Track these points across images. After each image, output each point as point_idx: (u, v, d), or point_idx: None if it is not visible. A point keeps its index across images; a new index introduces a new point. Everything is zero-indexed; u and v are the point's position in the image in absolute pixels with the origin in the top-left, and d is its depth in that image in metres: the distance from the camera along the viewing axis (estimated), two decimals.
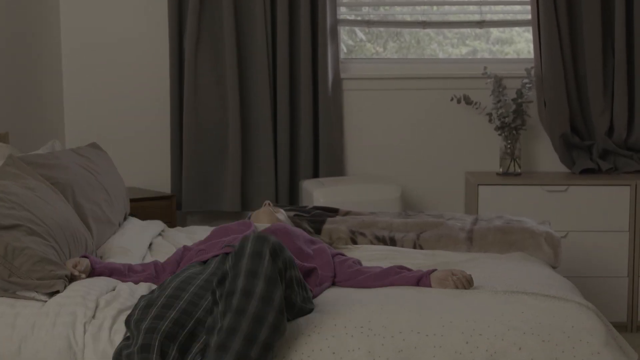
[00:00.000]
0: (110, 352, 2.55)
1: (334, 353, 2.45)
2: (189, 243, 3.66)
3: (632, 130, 4.75)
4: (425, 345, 2.43)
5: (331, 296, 2.80)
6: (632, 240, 4.49)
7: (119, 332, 2.59)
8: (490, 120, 4.79)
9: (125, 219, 3.83)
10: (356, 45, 5.21)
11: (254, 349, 2.32)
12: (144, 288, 2.91)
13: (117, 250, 3.33)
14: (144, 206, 4.43)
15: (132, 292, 2.81)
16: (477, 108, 4.80)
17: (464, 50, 5.05)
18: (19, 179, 3.12)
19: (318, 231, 3.64)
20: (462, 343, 2.42)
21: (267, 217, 3.37)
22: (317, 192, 4.40)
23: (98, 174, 3.61)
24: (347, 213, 3.92)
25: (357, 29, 5.14)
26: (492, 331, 2.45)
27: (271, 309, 2.35)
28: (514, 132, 4.69)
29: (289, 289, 2.50)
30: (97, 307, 2.68)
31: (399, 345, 2.43)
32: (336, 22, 4.87)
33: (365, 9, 5.09)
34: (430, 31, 5.09)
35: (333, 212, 3.91)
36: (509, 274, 2.98)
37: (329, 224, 3.69)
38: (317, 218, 3.74)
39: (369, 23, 5.01)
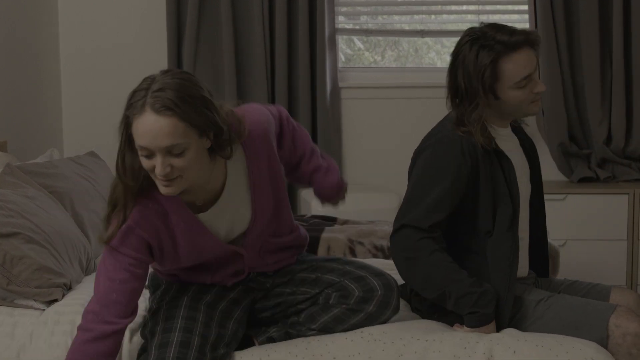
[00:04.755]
0: None
1: (334, 358, 2.47)
2: None
3: (630, 139, 4.75)
4: (425, 350, 2.46)
5: None
6: (630, 249, 4.49)
7: None
8: None
9: None
10: (354, 54, 5.22)
11: None
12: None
13: None
14: None
15: None
16: None
17: None
18: (18, 187, 3.12)
19: (316, 240, 3.63)
20: (461, 348, 2.46)
21: None
22: (315, 201, 4.40)
23: (96, 183, 3.60)
24: (345, 222, 3.92)
25: (355, 38, 5.14)
26: (488, 337, 2.50)
27: None
28: None
29: None
30: None
31: (400, 349, 2.46)
32: (334, 31, 4.87)
33: (363, 18, 5.10)
34: (428, 40, 5.10)
35: (331, 221, 3.91)
36: None
37: (327, 233, 3.68)
38: (315, 227, 3.74)
39: (367, 32, 5.02)
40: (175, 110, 2.18)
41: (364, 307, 2.51)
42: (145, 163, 2.26)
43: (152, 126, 2.19)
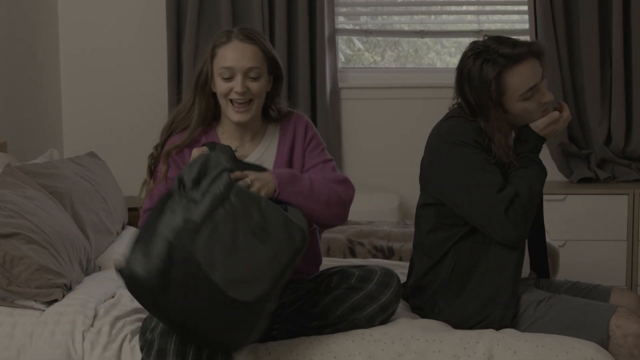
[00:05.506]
0: None
1: (335, 357, 2.48)
2: None
3: (630, 139, 4.75)
4: (425, 350, 2.47)
5: None
6: (630, 249, 4.49)
7: (117, 340, 2.59)
8: None
9: (123, 228, 3.82)
10: (354, 54, 5.22)
11: None
12: None
13: (116, 258, 3.32)
14: None
15: (133, 299, 2.80)
16: None
17: None
18: (17, 188, 3.12)
19: None
20: (460, 348, 2.46)
21: None
22: None
23: (96, 183, 3.60)
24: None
25: (355, 38, 5.14)
26: (488, 337, 2.50)
27: None
28: None
29: None
30: (96, 315, 2.67)
31: (400, 349, 2.47)
32: (334, 32, 4.87)
33: (363, 19, 5.10)
34: (428, 40, 5.10)
35: None
36: None
37: (328, 233, 3.69)
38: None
39: (367, 32, 5.02)
40: (258, 42, 2.64)
41: (364, 285, 2.55)
42: (224, 86, 2.63)
43: (239, 50, 2.62)
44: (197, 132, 2.69)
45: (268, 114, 2.75)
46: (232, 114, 2.65)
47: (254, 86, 2.63)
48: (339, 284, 2.58)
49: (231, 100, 2.64)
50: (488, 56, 2.58)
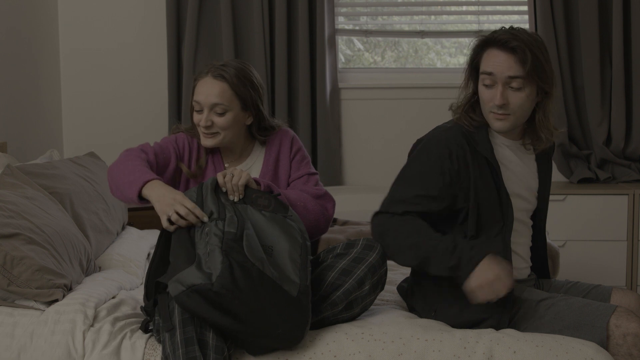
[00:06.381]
0: (109, 359, 2.56)
1: (335, 356, 2.49)
2: None
3: (630, 139, 4.76)
4: (424, 350, 2.47)
5: None
6: (630, 249, 4.49)
7: (117, 338, 2.59)
8: None
9: (123, 228, 3.83)
10: (354, 54, 5.22)
11: None
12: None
13: (116, 258, 3.33)
14: (142, 215, 4.42)
15: (135, 307, 2.80)
16: None
17: (461, 59, 5.05)
18: (17, 188, 3.12)
19: (315, 241, 3.63)
20: (460, 348, 2.47)
21: None
22: None
23: (96, 184, 3.60)
24: (345, 223, 3.92)
25: (355, 39, 5.15)
26: (488, 337, 2.51)
27: None
28: None
29: None
30: (97, 315, 2.67)
31: (400, 349, 2.48)
32: (334, 32, 4.87)
33: (363, 19, 5.10)
34: (428, 40, 5.10)
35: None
36: None
37: (327, 234, 3.68)
38: None
39: (367, 33, 5.02)
40: (228, 80, 2.79)
41: (350, 250, 2.67)
42: (195, 117, 2.84)
43: (207, 86, 2.79)
44: (206, 155, 2.91)
45: (255, 136, 2.94)
46: (202, 139, 2.85)
47: (219, 121, 2.80)
48: (325, 257, 2.71)
49: None
50: (492, 32, 2.67)
